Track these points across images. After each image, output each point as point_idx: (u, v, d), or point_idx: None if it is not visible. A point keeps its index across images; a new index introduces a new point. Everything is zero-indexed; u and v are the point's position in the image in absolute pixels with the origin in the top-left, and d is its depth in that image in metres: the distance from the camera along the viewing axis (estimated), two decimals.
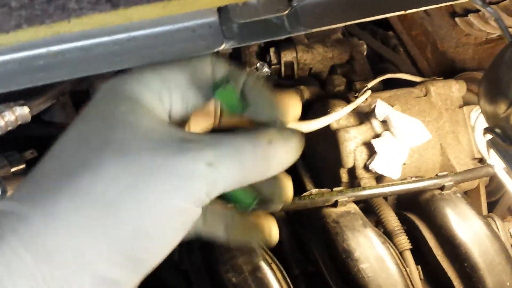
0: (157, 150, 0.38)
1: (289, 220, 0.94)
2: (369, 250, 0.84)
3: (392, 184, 0.91)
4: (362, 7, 0.50)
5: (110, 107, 0.41)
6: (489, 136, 0.73)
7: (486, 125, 0.67)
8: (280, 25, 0.49)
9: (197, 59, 0.45)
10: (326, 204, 0.90)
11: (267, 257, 0.83)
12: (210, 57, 0.45)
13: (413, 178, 1.06)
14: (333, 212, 0.89)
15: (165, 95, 0.43)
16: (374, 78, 1.31)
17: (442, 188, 0.93)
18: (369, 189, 0.89)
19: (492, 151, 0.82)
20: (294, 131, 0.46)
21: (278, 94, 0.46)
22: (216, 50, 0.47)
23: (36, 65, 0.45)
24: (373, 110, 1.10)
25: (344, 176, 1.10)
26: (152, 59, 0.44)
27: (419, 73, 1.45)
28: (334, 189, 0.92)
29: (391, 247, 0.87)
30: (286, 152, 0.45)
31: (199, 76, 0.44)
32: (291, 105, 0.47)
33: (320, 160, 1.20)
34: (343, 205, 0.90)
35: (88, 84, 1.42)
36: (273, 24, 0.49)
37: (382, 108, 1.05)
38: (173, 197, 0.38)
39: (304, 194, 0.92)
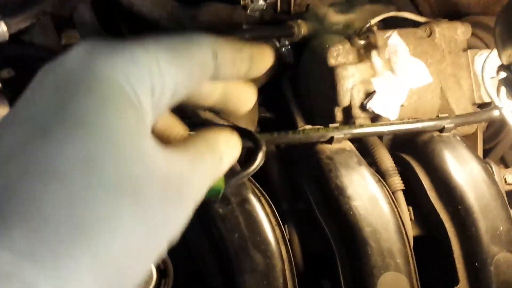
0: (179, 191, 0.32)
1: (280, 154, 0.90)
2: (362, 188, 0.81)
3: (391, 123, 0.87)
4: None
5: (100, 108, 0.30)
6: (503, 74, 0.69)
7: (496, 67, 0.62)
8: None
9: (197, 44, 0.35)
10: (321, 140, 0.86)
11: (256, 190, 0.79)
12: (211, 45, 0.36)
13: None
14: (328, 148, 0.85)
15: (156, 91, 0.33)
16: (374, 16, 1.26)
17: (441, 130, 0.89)
18: (366, 127, 0.85)
19: (503, 91, 0.78)
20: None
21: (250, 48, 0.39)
22: None
23: None
24: (375, 47, 1.05)
25: (339, 115, 1.06)
26: None
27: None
28: (330, 125, 0.87)
29: (384, 186, 0.84)
30: None
31: (196, 73, 0.35)
32: (262, 61, 0.40)
33: (314, 97, 1.15)
34: (338, 142, 0.86)
35: (71, 9, 1.34)
36: None
37: (396, 42, 0.99)
38: None
39: (298, 129, 0.87)
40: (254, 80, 1.35)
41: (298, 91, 1.23)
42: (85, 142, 0.28)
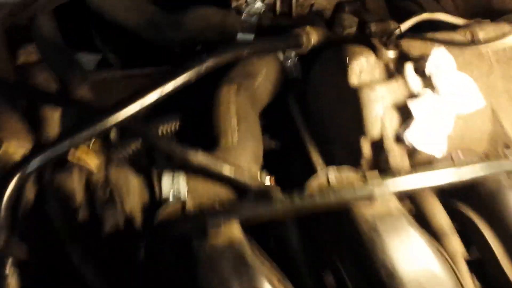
0: None
1: (300, 221, 0.67)
2: (417, 263, 0.59)
3: (447, 168, 0.64)
4: None
5: None
6: None
7: None
8: None
9: None
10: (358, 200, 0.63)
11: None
12: None
13: (460, 153, 0.79)
14: (369, 214, 0.62)
15: None
16: (391, 18, 1.03)
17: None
18: (417, 175, 0.62)
19: None
20: None
21: None
22: None
23: None
24: (408, 60, 0.82)
25: (366, 149, 0.83)
26: None
27: None
28: (367, 173, 0.65)
29: (443, 252, 0.62)
30: None
31: None
32: None
33: (330, 123, 0.93)
34: (381, 203, 0.63)
35: (28, 20, 1.10)
36: None
37: (439, 53, 0.77)
38: None
39: (319, 180, 0.65)
40: (255, 101, 0.99)
41: (308, 112, 1.01)
42: None
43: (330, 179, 0.68)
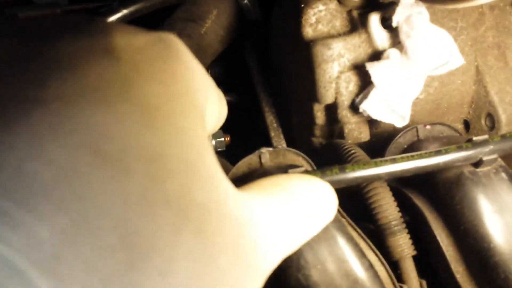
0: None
1: None
2: (338, 276, 0.49)
3: (396, 160, 0.51)
4: None
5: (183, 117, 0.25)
6: None
7: None
8: None
9: None
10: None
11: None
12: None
13: (428, 127, 0.66)
14: None
15: (205, 112, 0.29)
16: None
17: (477, 163, 0.53)
18: (356, 171, 0.49)
19: None
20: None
21: None
22: None
23: None
24: (376, 8, 0.67)
25: (320, 116, 0.71)
26: None
27: None
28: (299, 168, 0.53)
29: (380, 261, 0.52)
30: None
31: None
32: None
33: (289, 83, 0.79)
34: None
35: None
36: None
37: (408, 8, 0.62)
38: None
39: (250, 160, 0.54)
40: (202, 50, 0.85)
41: (269, 62, 0.87)
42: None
43: (262, 161, 0.57)
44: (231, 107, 0.87)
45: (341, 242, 0.49)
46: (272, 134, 0.81)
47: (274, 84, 0.85)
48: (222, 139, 0.83)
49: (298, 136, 0.79)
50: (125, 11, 0.65)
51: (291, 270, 0.48)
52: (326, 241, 0.49)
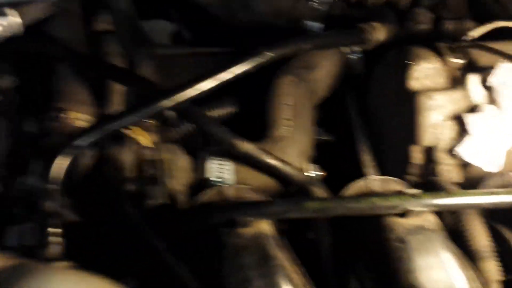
0: None
1: (332, 223, 0.67)
2: (441, 285, 0.58)
3: (492, 193, 0.62)
4: None
5: None
6: None
7: None
8: None
9: None
10: (392, 211, 0.62)
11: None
12: None
13: None
14: (401, 224, 0.62)
15: None
16: (473, 20, 0.97)
17: None
18: (459, 196, 0.60)
19: None
20: None
21: None
22: None
23: None
24: (475, 70, 0.79)
25: (417, 156, 0.81)
26: None
27: None
28: (407, 191, 0.64)
29: (476, 279, 0.61)
30: None
31: None
32: None
33: (386, 124, 0.91)
34: (416, 216, 0.62)
35: None
36: None
37: (505, 73, 0.73)
38: None
39: (359, 186, 0.65)
40: (313, 94, 0.98)
41: (367, 109, 0.99)
42: None
43: (371, 186, 0.67)
44: (329, 146, 0.99)
45: None
46: (366, 168, 0.90)
47: (369, 128, 0.96)
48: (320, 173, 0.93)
49: (391, 174, 0.89)
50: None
51: None
52: None
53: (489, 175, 0.75)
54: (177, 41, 1.30)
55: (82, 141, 0.69)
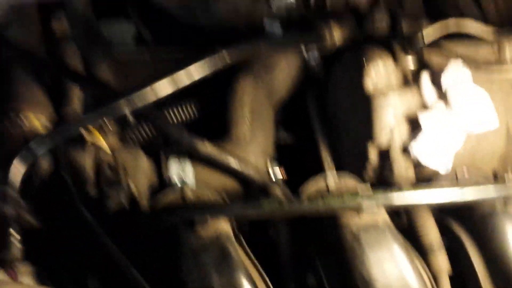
0: None
1: (290, 222, 0.69)
2: (395, 278, 0.60)
3: (441, 189, 0.64)
4: None
5: None
6: None
7: None
8: None
9: None
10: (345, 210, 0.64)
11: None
12: None
13: (465, 175, 0.79)
14: (354, 223, 0.64)
15: None
16: (427, 20, 1.01)
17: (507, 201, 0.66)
18: (409, 194, 0.63)
19: None
20: None
21: None
22: None
23: None
24: (427, 69, 0.82)
25: (373, 156, 0.84)
26: None
27: (484, 19, 1.12)
28: (361, 189, 0.66)
29: (425, 270, 0.63)
30: None
31: None
32: None
33: (344, 125, 0.93)
34: (369, 213, 0.64)
35: None
36: None
37: (456, 73, 0.76)
38: None
39: (317, 185, 0.66)
40: (271, 95, 1.01)
41: (326, 109, 1.01)
42: None
43: (328, 184, 0.69)
44: (289, 146, 1.01)
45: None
46: (326, 167, 0.92)
47: (329, 128, 0.98)
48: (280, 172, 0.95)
49: (350, 171, 0.91)
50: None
51: None
52: None
53: (439, 175, 0.78)
54: (137, 41, 1.30)
55: (39, 145, 0.68)
